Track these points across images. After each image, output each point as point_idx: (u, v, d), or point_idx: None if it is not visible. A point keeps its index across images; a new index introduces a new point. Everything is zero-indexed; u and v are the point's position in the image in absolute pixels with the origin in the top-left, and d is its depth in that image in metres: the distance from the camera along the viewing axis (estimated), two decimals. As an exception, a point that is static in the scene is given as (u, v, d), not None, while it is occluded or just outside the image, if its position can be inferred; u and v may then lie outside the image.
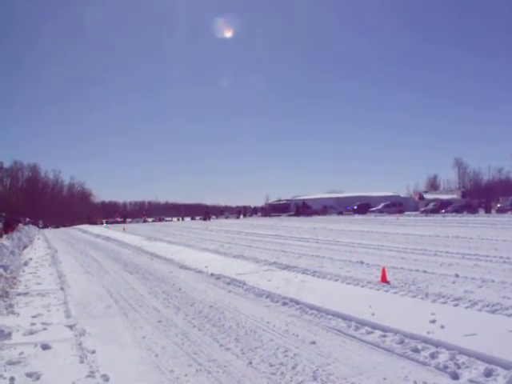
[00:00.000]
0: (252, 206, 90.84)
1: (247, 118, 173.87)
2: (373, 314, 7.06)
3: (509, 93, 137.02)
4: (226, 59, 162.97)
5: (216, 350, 6.06)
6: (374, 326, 6.54)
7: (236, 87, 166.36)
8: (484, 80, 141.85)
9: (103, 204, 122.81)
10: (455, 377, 4.76)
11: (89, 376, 5.09)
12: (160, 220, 78.53)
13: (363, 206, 63.90)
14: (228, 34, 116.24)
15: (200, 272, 12.89)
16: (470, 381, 4.63)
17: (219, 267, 13.15)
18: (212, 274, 12.17)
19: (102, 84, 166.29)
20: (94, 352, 6.00)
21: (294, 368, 5.20)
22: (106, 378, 5.04)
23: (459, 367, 4.96)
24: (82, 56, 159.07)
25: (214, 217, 77.00)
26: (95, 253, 20.98)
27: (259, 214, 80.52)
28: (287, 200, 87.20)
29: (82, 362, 5.62)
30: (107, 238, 30.49)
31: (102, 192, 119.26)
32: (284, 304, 8.44)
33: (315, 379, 4.84)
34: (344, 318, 7.10)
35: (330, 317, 7.30)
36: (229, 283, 10.93)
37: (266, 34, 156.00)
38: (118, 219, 78.25)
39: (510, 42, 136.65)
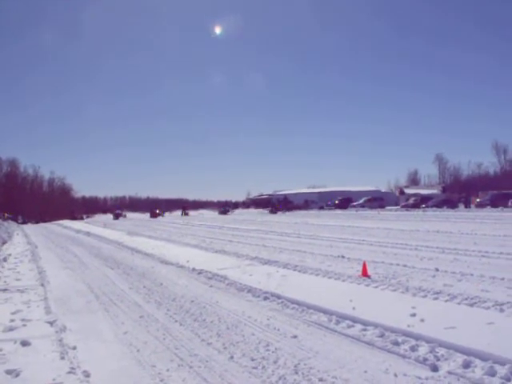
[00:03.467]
0: (233, 200, 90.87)
1: (230, 115, 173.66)
2: (354, 308, 7.10)
3: (488, 88, 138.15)
4: (211, 57, 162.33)
5: (197, 344, 6.05)
6: (355, 320, 6.59)
7: (218, 85, 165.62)
8: (464, 75, 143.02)
9: (84, 199, 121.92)
10: (435, 369, 4.82)
11: (69, 372, 5.04)
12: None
13: (344, 201, 64.17)
14: (217, 30, 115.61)
15: (181, 267, 12.86)
16: (449, 372, 4.70)
17: (200, 262, 13.13)
18: (193, 269, 12.14)
19: (82, 81, 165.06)
20: (74, 348, 5.95)
21: (275, 362, 5.21)
22: (86, 373, 5.00)
23: (438, 359, 5.02)
24: (63, 53, 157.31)
25: (192, 212, 74.88)
26: (76, 248, 20.80)
27: (241, 208, 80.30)
28: (269, 195, 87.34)
29: (62, 358, 5.56)
30: (88, 234, 30.27)
31: (83, 187, 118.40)
32: (265, 298, 8.45)
33: (296, 373, 4.86)
34: (325, 312, 7.14)
35: (311, 311, 7.33)
36: (210, 278, 10.92)
37: (250, 31, 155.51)
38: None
39: (488, 37, 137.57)
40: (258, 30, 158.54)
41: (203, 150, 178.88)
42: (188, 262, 13.35)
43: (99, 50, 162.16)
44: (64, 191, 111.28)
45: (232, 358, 5.46)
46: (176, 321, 7.29)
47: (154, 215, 69.14)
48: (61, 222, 58.99)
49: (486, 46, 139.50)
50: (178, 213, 75.59)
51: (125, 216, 76.03)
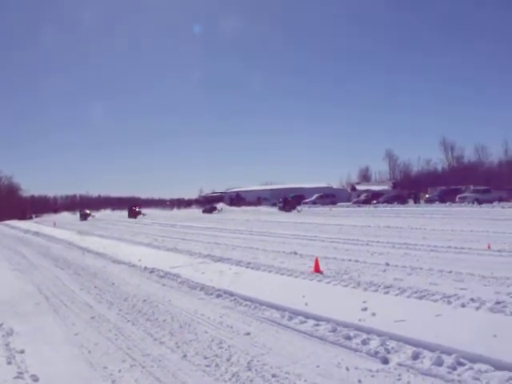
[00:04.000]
0: (186, 198, 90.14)
1: (181, 114, 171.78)
2: (306, 304, 7.15)
3: (436, 85, 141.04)
4: (163, 52, 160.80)
5: (150, 344, 5.99)
6: (308, 316, 6.63)
7: (169, 82, 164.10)
8: (412, 72, 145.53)
9: (33, 198, 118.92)
10: (385, 361, 4.91)
11: (17, 377, 4.90)
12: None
13: (297, 198, 64.55)
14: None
15: (133, 266, 12.71)
16: (399, 364, 4.80)
17: (153, 261, 13.00)
18: (146, 268, 12.02)
19: (29, 79, 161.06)
20: (22, 352, 5.80)
21: (228, 359, 5.21)
22: (35, 378, 4.88)
23: (389, 352, 5.12)
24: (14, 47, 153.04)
25: (144, 212, 55.42)
26: (24, 249, 20.35)
27: (193, 206, 79.50)
28: (221, 192, 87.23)
29: (9, 362, 5.41)
30: (37, 233, 29.62)
31: (32, 186, 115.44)
32: (218, 296, 8.43)
33: (250, 370, 4.86)
34: (278, 308, 7.16)
35: (264, 308, 7.35)
36: (163, 277, 10.83)
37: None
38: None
39: (439, 36, 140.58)
40: (211, 31, 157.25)
41: (155, 147, 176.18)
42: (140, 260, 13.20)
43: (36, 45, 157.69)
44: (11, 190, 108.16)
45: (185, 356, 5.42)
46: (128, 321, 7.20)
47: (133, 214, 53.40)
48: (8, 222, 57.50)
49: (434, 44, 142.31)
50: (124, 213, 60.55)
51: (93, 216, 60.60)
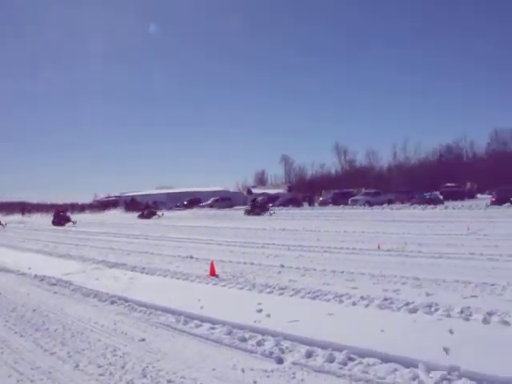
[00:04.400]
0: (79, 202, 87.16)
1: (74, 115, 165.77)
2: (202, 308, 7.14)
3: (330, 88, 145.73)
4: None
5: (40, 356, 5.72)
6: (203, 319, 6.61)
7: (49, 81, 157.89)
8: (306, 76, 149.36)
9: None
10: (280, 361, 5.01)
11: None
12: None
13: (193, 201, 64.50)
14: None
15: (22, 274, 12.10)
16: (293, 363, 4.92)
17: (44, 268, 12.43)
18: (36, 276, 11.49)
19: None
20: None
21: (123, 367, 5.08)
22: None
23: (283, 352, 5.22)
24: None
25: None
26: None
27: (87, 211, 76.60)
28: (116, 196, 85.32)
29: None
30: None
31: None
32: (112, 302, 8.22)
33: (145, 376, 4.77)
34: (173, 312, 7.09)
35: (159, 313, 7.25)
36: (54, 284, 10.40)
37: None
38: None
39: (333, 40, 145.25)
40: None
41: (43, 149, 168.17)
42: (30, 268, 12.59)
43: None
44: None
45: (77, 366, 5.23)
46: (16, 332, 6.84)
47: (59, 221, 39.08)
48: None
49: (327, 46, 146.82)
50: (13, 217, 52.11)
51: (4, 225, 40.46)
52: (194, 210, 55.10)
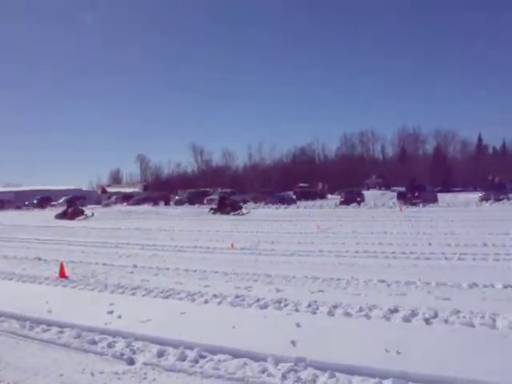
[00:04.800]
0: None
1: None
2: (49, 311, 6.86)
3: (184, 88, 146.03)
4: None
5: None
6: (51, 323, 6.35)
7: None
8: (155, 76, 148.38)
9: None
10: (131, 362, 4.96)
11: None
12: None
13: (44, 200, 61.51)
14: None
15: None
16: (145, 363, 4.89)
17: None
18: None
19: None
20: None
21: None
22: None
23: (135, 353, 5.17)
24: None
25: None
26: None
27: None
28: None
29: None
30: None
31: None
32: None
33: (-18, 392, 4.50)
34: (18, 318, 6.70)
35: (2, 319, 6.81)
36: None
37: None
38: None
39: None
40: None
41: None
42: None
43: None
44: None
45: None
46: None
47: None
48: None
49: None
50: None
51: None
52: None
